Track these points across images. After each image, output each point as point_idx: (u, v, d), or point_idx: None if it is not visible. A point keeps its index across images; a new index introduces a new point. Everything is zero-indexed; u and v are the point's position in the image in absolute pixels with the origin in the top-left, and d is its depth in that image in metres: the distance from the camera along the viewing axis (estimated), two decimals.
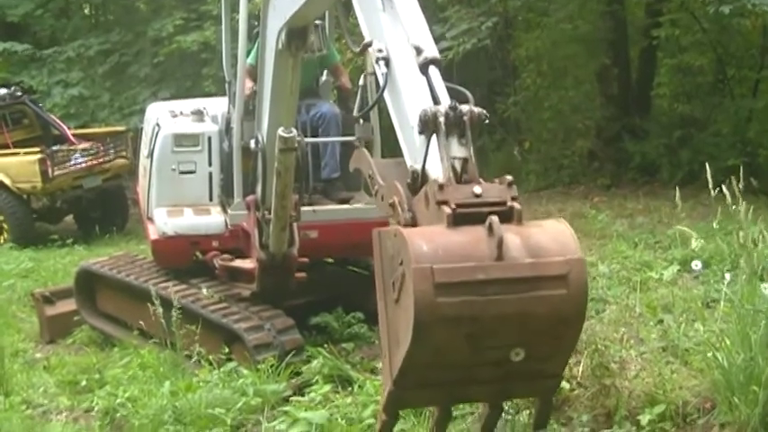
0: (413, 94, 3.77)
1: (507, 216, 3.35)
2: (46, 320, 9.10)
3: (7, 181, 14.63)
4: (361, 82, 6.41)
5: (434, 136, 3.53)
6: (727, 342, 4.62)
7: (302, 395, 6.06)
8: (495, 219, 3.26)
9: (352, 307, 7.62)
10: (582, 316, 3.38)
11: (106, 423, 6.34)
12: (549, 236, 3.36)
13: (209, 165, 7.99)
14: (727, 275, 5.16)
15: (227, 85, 8.37)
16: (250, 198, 7.21)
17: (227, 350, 6.95)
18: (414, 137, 3.67)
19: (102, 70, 19.69)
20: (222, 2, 7.80)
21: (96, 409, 6.62)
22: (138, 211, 10.59)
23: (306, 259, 7.27)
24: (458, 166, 3.47)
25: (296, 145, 6.23)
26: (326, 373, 6.36)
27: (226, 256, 7.75)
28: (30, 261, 12.59)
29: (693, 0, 12.92)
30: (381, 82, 3.94)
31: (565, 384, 4.88)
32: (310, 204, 7.66)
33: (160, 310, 6.97)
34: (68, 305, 8.98)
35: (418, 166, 3.63)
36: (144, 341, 7.68)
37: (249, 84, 7.39)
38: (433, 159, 3.54)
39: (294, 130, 6.24)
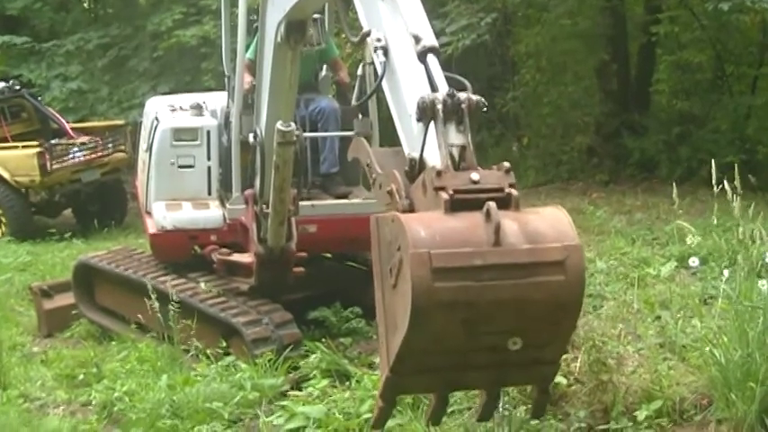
0: (411, 83, 3.77)
1: (505, 202, 3.35)
2: (44, 314, 9.09)
3: (6, 174, 14.59)
4: (359, 72, 6.41)
5: (432, 123, 3.52)
6: (725, 339, 4.63)
7: (300, 389, 6.07)
8: (492, 205, 3.26)
9: (350, 302, 7.62)
10: (579, 302, 3.38)
11: (103, 417, 6.33)
12: (546, 222, 3.35)
13: (208, 159, 7.99)
14: (725, 272, 5.15)
15: (226, 80, 8.36)
16: (248, 192, 7.20)
17: (224, 344, 6.94)
18: (412, 125, 3.67)
19: (102, 64, 19.64)
20: None
21: (94, 402, 6.62)
22: (137, 205, 10.59)
23: (304, 254, 7.27)
24: (455, 153, 3.47)
25: (294, 139, 6.22)
26: (324, 368, 6.36)
27: (224, 250, 7.74)
28: (28, 254, 12.57)
29: None
30: (380, 71, 3.95)
31: (562, 380, 4.88)
32: (309, 199, 7.65)
33: (157, 304, 6.97)
34: (66, 299, 8.96)
35: (416, 154, 3.63)
36: (142, 335, 7.68)
37: (248, 78, 7.38)
38: (431, 147, 3.54)
39: (293, 124, 6.23)
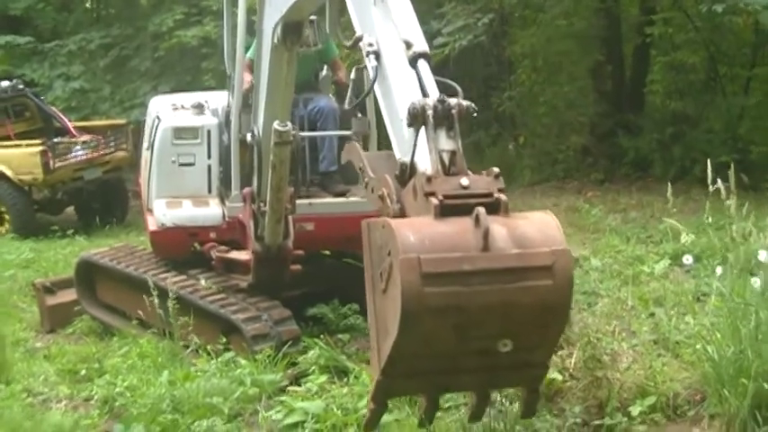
0: (402, 88, 3.77)
1: (494, 207, 3.34)
2: (46, 310, 9.08)
3: (9, 172, 14.61)
4: (353, 76, 6.40)
5: (423, 128, 3.51)
6: (718, 335, 4.63)
7: (299, 385, 6.06)
8: (481, 210, 3.25)
9: (347, 299, 7.61)
10: (567, 306, 3.38)
11: (105, 411, 6.32)
12: (534, 227, 3.35)
13: (209, 157, 7.98)
14: (718, 269, 5.14)
15: (228, 79, 8.36)
16: (246, 190, 7.20)
17: (224, 340, 6.93)
18: (403, 130, 3.66)
19: (104, 64, 19.67)
20: None
21: (95, 397, 6.60)
22: (139, 203, 10.58)
23: (301, 251, 7.26)
24: (446, 158, 3.46)
25: (291, 138, 6.21)
26: (323, 364, 6.35)
27: (222, 247, 7.73)
28: (31, 251, 12.57)
29: None
30: (371, 75, 3.94)
31: (557, 376, 4.89)
32: (307, 197, 7.64)
33: (158, 300, 6.96)
34: (69, 295, 8.96)
35: (407, 159, 3.62)
36: (143, 331, 7.66)
37: (248, 77, 7.36)
38: (422, 152, 3.54)
39: (289, 124, 6.22)
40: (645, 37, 15.14)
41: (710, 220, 5.39)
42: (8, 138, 15.44)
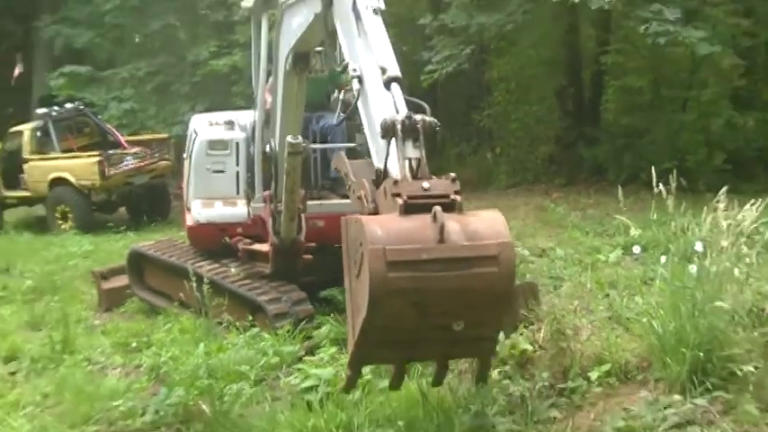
0: (378, 106, 3.80)
1: (450, 207, 3.37)
2: (103, 293, 9.08)
3: (72, 179, 14.72)
4: (341, 96, 6.42)
5: (393, 140, 3.55)
6: (662, 312, 4.61)
7: (313, 355, 6.03)
8: (438, 208, 3.29)
9: None
10: (510, 290, 3.41)
11: (152, 377, 6.30)
12: (484, 223, 3.37)
13: (237, 165, 7.98)
14: (662, 258, 5.13)
15: (253, 100, 8.34)
16: (266, 193, 7.20)
17: (251, 318, 6.92)
18: (378, 141, 3.70)
19: (150, 88, 19.72)
20: (252, 32, 7.83)
21: (144, 365, 6.59)
22: (181, 204, 10.56)
23: (313, 244, 7.25)
24: (413, 164, 3.50)
25: (301, 149, 6.20)
26: (333, 338, 6.33)
27: (247, 240, 7.73)
28: (90, 245, 12.57)
29: (635, 32, 12.89)
30: (355, 96, 3.98)
31: (528, 347, 4.87)
32: (319, 198, 7.65)
33: (196, 285, 6.95)
34: (121, 281, 8.96)
35: (381, 165, 3.66)
36: (183, 311, 7.65)
37: (268, 98, 7.35)
38: (393, 159, 3.57)
39: (300, 137, 6.21)
40: (600, 65, 15.19)
41: (655, 216, 5.38)
42: (71, 150, 15.55)
